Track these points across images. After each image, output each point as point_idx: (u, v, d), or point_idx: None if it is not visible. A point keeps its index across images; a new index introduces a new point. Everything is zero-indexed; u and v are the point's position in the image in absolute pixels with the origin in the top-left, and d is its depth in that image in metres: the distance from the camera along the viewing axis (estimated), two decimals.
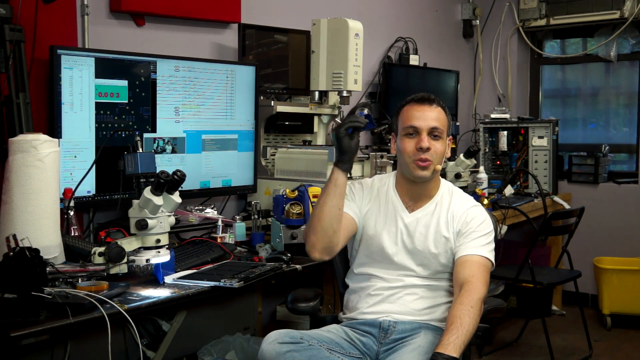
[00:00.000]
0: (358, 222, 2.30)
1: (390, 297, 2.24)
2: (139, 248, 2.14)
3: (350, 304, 2.32)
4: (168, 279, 2.21)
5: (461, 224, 2.24)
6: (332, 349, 2.09)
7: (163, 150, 2.76)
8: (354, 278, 2.35)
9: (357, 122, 2.19)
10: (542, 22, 5.11)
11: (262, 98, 3.25)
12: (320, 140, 3.59)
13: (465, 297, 2.07)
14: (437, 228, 2.25)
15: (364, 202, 2.32)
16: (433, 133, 2.21)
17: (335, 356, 2.06)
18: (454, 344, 1.95)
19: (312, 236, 2.20)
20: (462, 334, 1.97)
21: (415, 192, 2.29)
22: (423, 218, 2.27)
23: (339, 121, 3.45)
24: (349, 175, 2.25)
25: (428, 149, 2.19)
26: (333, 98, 3.51)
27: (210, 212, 2.87)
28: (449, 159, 3.89)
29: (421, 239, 2.25)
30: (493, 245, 2.25)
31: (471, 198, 2.36)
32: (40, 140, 2.16)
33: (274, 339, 2.04)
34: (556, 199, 4.47)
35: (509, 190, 4.11)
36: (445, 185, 2.35)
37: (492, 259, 2.21)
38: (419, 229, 2.26)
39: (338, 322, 2.33)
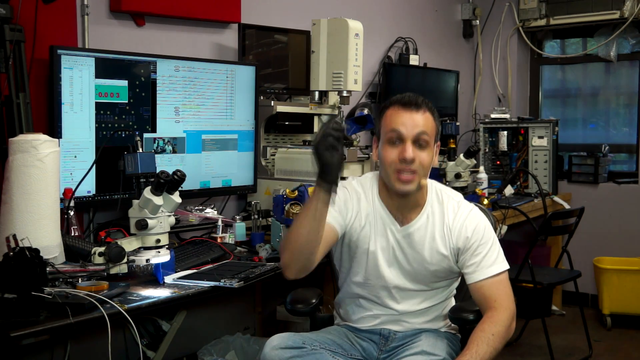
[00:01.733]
0: (340, 230, 2.10)
1: (388, 319, 2.19)
2: (139, 248, 2.14)
3: (348, 316, 2.26)
4: (168, 279, 2.21)
5: (462, 240, 2.09)
6: (335, 350, 2.07)
7: (163, 150, 2.75)
8: (347, 293, 2.25)
9: (336, 132, 1.80)
10: (542, 22, 5.11)
11: (262, 98, 3.25)
12: None
13: (487, 324, 1.99)
14: (433, 244, 2.11)
15: (350, 212, 2.12)
16: (419, 141, 2.00)
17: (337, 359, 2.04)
18: None
19: (287, 256, 1.98)
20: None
21: (402, 203, 2.10)
22: (416, 233, 2.11)
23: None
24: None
25: (412, 161, 1.99)
26: (333, 98, 3.51)
27: (210, 212, 2.87)
28: (449, 159, 3.89)
29: (416, 256, 2.12)
30: (501, 249, 2.12)
31: (460, 198, 2.17)
32: (40, 140, 2.15)
33: (277, 343, 2.00)
34: (556, 199, 4.47)
35: (509, 190, 4.11)
36: (432, 190, 2.14)
37: (506, 264, 2.10)
38: (413, 244, 2.12)
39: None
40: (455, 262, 2.12)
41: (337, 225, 2.08)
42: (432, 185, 2.16)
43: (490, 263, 2.07)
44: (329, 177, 1.84)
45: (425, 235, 2.11)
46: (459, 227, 2.09)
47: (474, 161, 3.87)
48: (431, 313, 2.21)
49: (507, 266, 2.10)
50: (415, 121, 2.01)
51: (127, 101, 2.62)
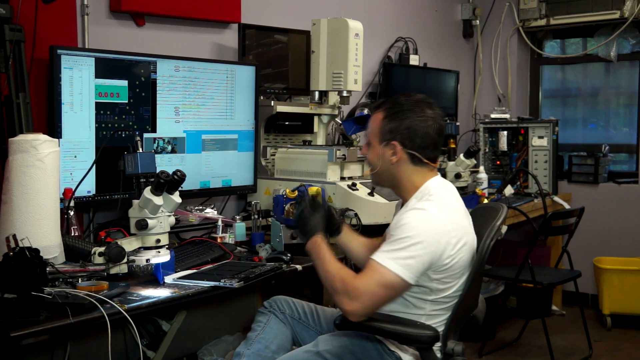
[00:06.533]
0: None
1: None
2: (139, 248, 2.14)
3: None
4: (168, 279, 2.20)
5: (389, 230, 2.06)
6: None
7: (163, 150, 2.76)
8: None
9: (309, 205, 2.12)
10: (542, 22, 5.11)
11: (262, 98, 3.25)
12: (320, 140, 3.59)
13: (344, 271, 2.01)
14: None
15: None
16: (367, 142, 2.23)
17: None
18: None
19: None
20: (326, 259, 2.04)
21: (399, 199, 2.26)
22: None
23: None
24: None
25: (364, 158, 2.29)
26: (333, 98, 3.51)
27: (210, 212, 2.87)
28: (449, 159, 3.89)
29: None
30: (406, 253, 1.95)
31: (427, 203, 2.04)
32: (40, 140, 2.15)
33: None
34: (556, 199, 4.47)
35: (509, 190, 4.11)
36: (419, 193, 2.10)
37: (396, 267, 1.94)
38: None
39: None
40: None
41: None
42: (427, 189, 2.10)
43: (383, 250, 1.98)
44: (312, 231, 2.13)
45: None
46: (395, 220, 2.06)
47: (474, 161, 3.87)
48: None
49: (395, 269, 1.94)
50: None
51: (127, 101, 2.62)
